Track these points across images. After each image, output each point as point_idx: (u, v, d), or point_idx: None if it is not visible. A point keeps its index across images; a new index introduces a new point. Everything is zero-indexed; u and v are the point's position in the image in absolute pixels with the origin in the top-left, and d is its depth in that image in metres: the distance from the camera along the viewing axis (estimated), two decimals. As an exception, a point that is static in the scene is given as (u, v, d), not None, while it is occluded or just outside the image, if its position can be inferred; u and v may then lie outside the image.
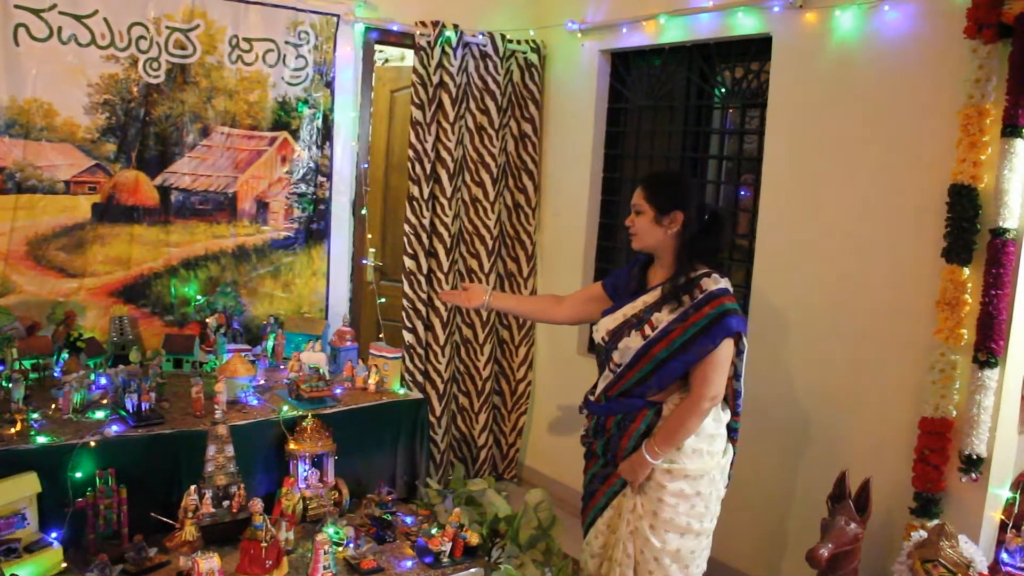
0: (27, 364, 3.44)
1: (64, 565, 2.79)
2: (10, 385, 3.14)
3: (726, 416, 2.84)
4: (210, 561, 2.59)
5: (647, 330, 2.73)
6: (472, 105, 4.74)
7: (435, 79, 4.50)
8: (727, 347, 2.68)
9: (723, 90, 4.15)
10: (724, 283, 2.72)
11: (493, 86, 4.72)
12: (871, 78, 3.32)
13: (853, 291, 3.40)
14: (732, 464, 2.90)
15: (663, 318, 2.72)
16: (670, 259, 2.80)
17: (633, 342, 2.75)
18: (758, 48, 3.84)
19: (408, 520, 3.35)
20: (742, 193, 4.13)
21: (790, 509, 3.68)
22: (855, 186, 3.38)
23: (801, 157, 3.60)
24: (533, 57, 4.84)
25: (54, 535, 2.84)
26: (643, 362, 2.73)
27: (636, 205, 2.80)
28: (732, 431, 2.88)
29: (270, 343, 4.09)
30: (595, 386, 2.96)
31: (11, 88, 3.58)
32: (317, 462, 3.35)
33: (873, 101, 3.31)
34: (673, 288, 2.73)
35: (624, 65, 4.62)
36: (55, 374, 3.51)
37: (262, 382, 3.72)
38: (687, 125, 4.29)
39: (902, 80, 3.22)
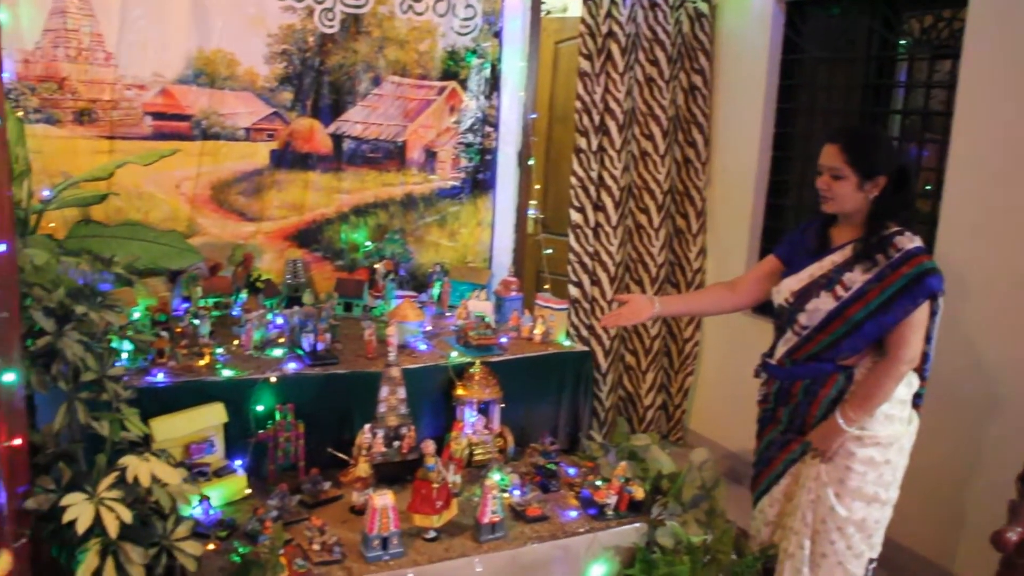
0: (210, 302, 3.60)
1: (248, 491, 2.92)
2: (197, 322, 3.29)
3: (916, 381, 2.67)
4: (384, 498, 2.62)
5: (839, 291, 2.58)
6: (641, 56, 4.59)
7: (604, 29, 4.39)
8: (925, 308, 2.51)
9: (909, 40, 3.83)
10: (918, 241, 2.55)
11: (663, 36, 4.55)
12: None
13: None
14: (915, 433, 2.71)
15: (856, 278, 2.56)
16: (861, 219, 2.61)
17: (824, 303, 2.59)
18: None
19: (571, 471, 3.31)
20: (923, 153, 3.83)
21: (970, 488, 3.43)
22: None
23: (1001, 113, 3.26)
24: (703, 6, 4.63)
25: (239, 463, 2.96)
26: (836, 324, 2.58)
27: (834, 169, 2.57)
28: (917, 397, 2.70)
29: (436, 290, 4.11)
30: (772, 349, 2.81)
31: (199, 39, 3.71)
32: (483, 409, 3.35)
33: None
34: (866, 247, 2.56)
35: (800, 15, 4.35)
36: (233, 313, 3.64)
37: (429, 328, 3.75)
38: (868, 78, 4.00)
39: None
